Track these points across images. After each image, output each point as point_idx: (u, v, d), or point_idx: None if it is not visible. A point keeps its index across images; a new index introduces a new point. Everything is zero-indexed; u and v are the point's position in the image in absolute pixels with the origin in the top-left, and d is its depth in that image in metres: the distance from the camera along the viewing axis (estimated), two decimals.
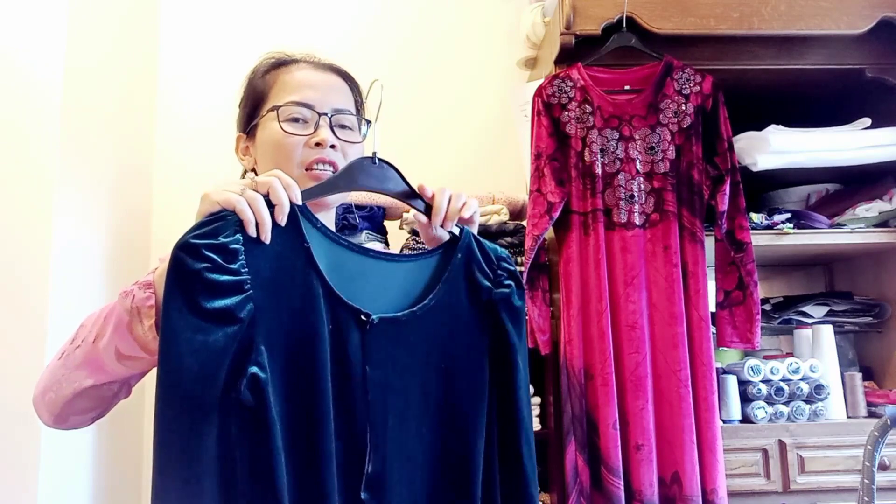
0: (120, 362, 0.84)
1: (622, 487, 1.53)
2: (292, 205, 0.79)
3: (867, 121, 1.80)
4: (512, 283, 0.90)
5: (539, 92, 1.72)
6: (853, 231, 1.78)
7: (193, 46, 2.36)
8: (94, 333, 0.84)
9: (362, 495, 0.78)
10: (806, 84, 1.88)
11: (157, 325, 0.81)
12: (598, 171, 1.67)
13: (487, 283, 0.89)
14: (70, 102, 1.74)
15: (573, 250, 1.66)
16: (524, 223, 1.74)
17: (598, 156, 1.68)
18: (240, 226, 0.76)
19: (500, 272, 0.90)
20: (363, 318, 0.80)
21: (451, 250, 0.89)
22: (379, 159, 0.90)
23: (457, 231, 0.90)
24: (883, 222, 1.79)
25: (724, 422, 1.69)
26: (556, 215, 1.67)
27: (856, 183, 1.93)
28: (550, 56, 1.83)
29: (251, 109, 1.04)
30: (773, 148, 1.72)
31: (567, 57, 1.75)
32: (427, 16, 2.42)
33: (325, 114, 0.98)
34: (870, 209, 1.80)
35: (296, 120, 0.98)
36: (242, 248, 0.76)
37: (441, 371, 0.85)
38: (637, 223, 1.66)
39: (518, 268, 1.31)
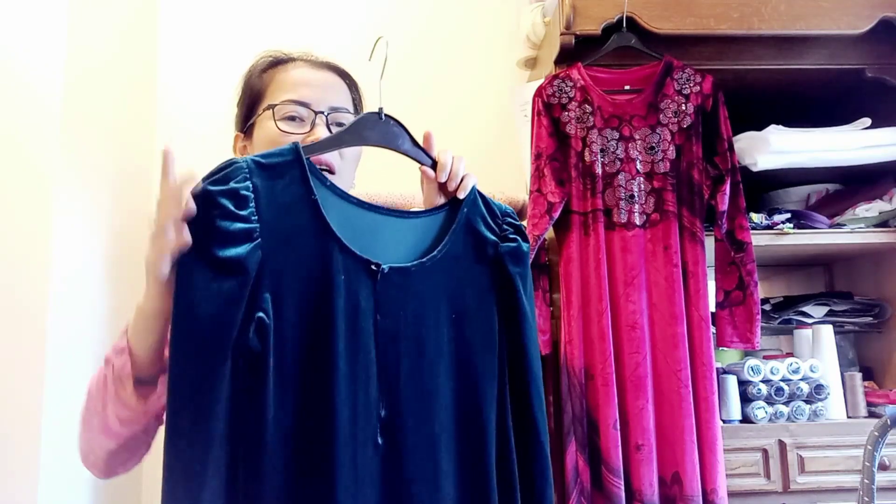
0: (123, 426, 0.86)
1: (622, 487, 1.53)
2: (302, 163, 0.81)
3: (867, 121, 1.79)
4: (518, 238, 0.92)
5: (539, 92, 1.72)
6: (853, 231, 1.78)
7: (194, 46, 2.36)
8: (101, 403, 0.86)
9: (378, 440, 0.79)
10: (806, 84, 1.88)
11: (136, 376, 0.82)
12: (598, 171, 1.67)
13: (493, 237, 0.91)
14: (70, 103, 1.74)
15: (573, 250, 1.66)
16: (524, 223, 1.74)
17: (599, 156, 1.68)
18: (249, 172, 0.78)
19: (505, 227, 0.93)
20: (373, 267, 0.82)
21: (458, 206, 0.91)
22: (385, 115, 0.90)
23: (462, 195, 0.92)
24: (883, 222, 1.79)
25: (724, 422, 1.68)
26: (556, 215, 1.67)
27: (856, 183, 1.93)
28: (550, 56, 1.82)
29: (248, 108, 1.04)
30: (773, 148, 1.72)
31: (567, 57, 1.75)
32: (427, 16, 2.42)
33: (322, 112, 0.98)
34: (870, 209, 1.80)
35: (292, 118, 0.98)
36: (252, 196, 0.77)
37: (451, 321, 0.87)
38: (637, 223, 1.66)
39: None
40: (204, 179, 0.77)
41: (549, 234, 1.74)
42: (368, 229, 0.85)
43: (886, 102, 1.82)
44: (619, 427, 1.56)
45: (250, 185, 0.77)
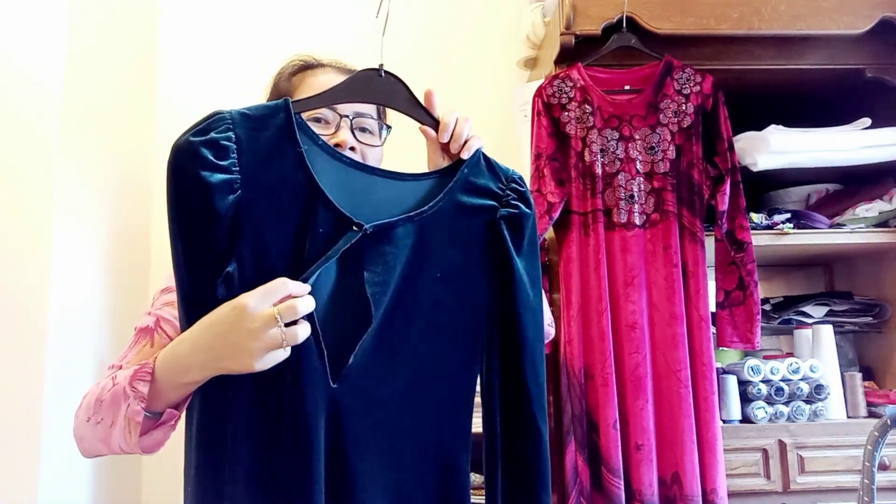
0: (121, 450, 0.86)
1: (622, 487, 1.53)
2: (290, 116, 0.81)
3: (867, 121, 1.79)
4: (520, 204, 0.88)
5: (539, 92, 1.72)
6: (853, 231, 1.78)
7: (194, 47, 2.35)
8: (111, 419, 0.83)
9: (333, 385, 0.78)
10: (806, 84, 1.88)
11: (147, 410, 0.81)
12: (598, 171, 1.67)
13: (492, 202, 0.87)
14: (70, 103, 1.74)
15: (573, 250, 1.66)
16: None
17: (598, 156, 1.68)
18: (233, 123, 0.77)
19: (508, 192, 0.89)
20: (355, 228, 0.80)
21: (459, 167, 0.88)
22: (385, 72, 0.88)
23: (466, 156, 0.88)
24: (883, 222, 1.79)
25: (724, 422, 1.68)
26: (555, 215, 1.67)
27: (856, 183, 1.93)
28: (550, 56, 1.83)
29: None
30: (773, 148, 1.72)
31: (567, 57, 1.75)
32: (427, 16, 2.42)
33: (347, 116, 0.99)
34: (870, 209, 1.80)
35: (317, 120, 1.00)
36: (234, 146, 0.77)
37: (434, 280, 0.84)
38: (637, 223, 1.66)
39: None
40: (187, 131, 0.76)
41: (549, 234, 1.74)
42: (361, 189, 0.83)
43: (886, 102, 1.82)
44: (618, 427, 1.56)
45: (232, 136, 0.76)
